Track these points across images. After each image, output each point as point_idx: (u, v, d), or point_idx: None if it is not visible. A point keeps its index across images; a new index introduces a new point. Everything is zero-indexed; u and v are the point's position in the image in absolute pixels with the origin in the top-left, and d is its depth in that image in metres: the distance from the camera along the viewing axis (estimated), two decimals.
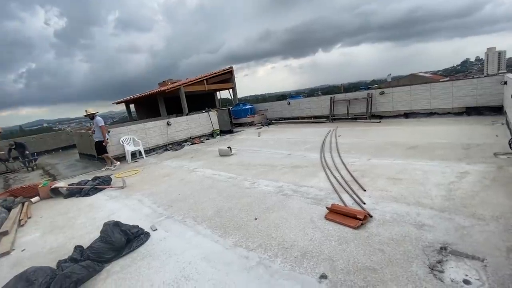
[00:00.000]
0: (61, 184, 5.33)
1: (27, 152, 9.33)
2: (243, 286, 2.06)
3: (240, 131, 11.51)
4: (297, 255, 2.33)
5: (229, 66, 15.77)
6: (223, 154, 6.86)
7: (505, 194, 2.88)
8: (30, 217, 4.23)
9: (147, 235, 3.03)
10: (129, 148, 7.92)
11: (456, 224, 2.47)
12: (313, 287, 1.94)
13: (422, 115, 8.51)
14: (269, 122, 12.52)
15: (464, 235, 2.30)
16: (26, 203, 4.72)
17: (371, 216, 2.79)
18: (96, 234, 2.99)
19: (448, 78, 27.65)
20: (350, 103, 10.02)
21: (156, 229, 3.20)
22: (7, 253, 3.12)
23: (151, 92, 15.80)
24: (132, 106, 19.37)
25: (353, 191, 3.48)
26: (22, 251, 3.15)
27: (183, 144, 9.59)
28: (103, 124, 7.07)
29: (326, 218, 2.87)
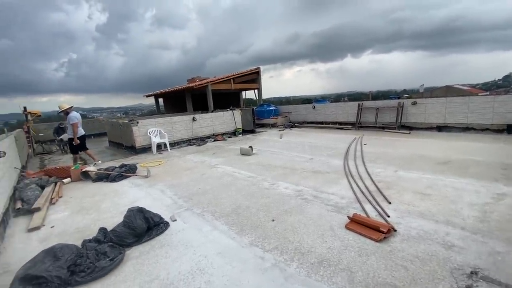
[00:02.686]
0: (91, 168, 5.64)
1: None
2: (256, 286, 2.04)
3: (262, 131, 11.51)
4: (314, 262, 2.27)
5: (256, 67, 15.85)
6: (244, 153, 6.89)
7: None
8: (61, 197, 4.52)
9: (166, 224, 3.11)
10: (155, 139, 8.22)
11: (489, 249, 2.27)
12: None
13: (456, 129, 7.98)
14: (292, 124, 12.41)
15: (498, 261, 2.11)
16: (58, 183, 5.06)
17: (395, 231, 2.65)
18: (119, 219, 3.12)
19: (488, 93, 25.71)
20: (379, 111, 9.65)
21: (176, 220, 3.28)
22: (37, 228, 3.35)
23: (180, 87, 16.31)
24: (160, 100, 20.11)
25: (377, 202, 3.33)
26: (51, 227, 3.37)
27: (206, 140, 9.78)
28: (76, 121, 6.50)
29: (347, 227, 2.78)
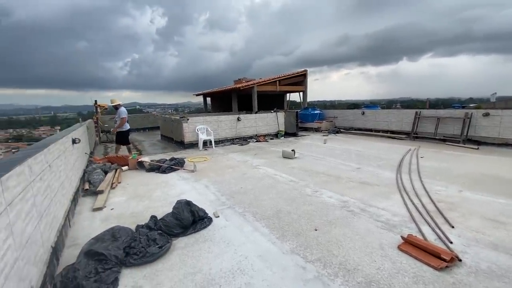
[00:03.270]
0: (146, 159, 6.16)
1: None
2: None
3: (305, 135, 11.26)
4: (361, 282, 2.10)
5: (303, 69, 15.60)
6: (286, 156, 6.81)
7: None
8: (120, 182, 5.02)
9: (210, 220, 3.21)
10: (202, 136, 8.63)
11: None
12: None
13: None
14: (337, 130, 11.89)
15: None
16: (118, 170, 5.63)
17: (460, 260, 2.32)
18: (168, 209, 3.33)
19: None
20: (440, 121, 8.65)
21: (218, 216, 3.37)
22: (100, 208, 3.76)
23: (227, 88, 16.91)
24: (208, 99, 21.13)
25: (436, 224, 2.97)
26: (111, 209, 3.75)
27: (248, 140, 9.94)
28: (125, 116, 7.01)
29: (400, 248, 2.52)
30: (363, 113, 11.45)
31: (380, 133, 10.44)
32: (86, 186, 4.55)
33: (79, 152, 5.10)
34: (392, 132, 10.13)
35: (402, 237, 2.66)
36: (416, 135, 9.21)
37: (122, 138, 7.34)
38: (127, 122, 7.31)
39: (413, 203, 3.57)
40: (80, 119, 9.52)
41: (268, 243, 2.72)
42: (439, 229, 2.86)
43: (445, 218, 3.11)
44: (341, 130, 11.97)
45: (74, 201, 3.82)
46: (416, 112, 9.38)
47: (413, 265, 2.29)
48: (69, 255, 2.56)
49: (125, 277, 2.26)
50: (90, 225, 3.26)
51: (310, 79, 16.21)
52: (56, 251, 2.44)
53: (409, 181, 4.54)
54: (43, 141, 3.41)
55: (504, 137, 7.35)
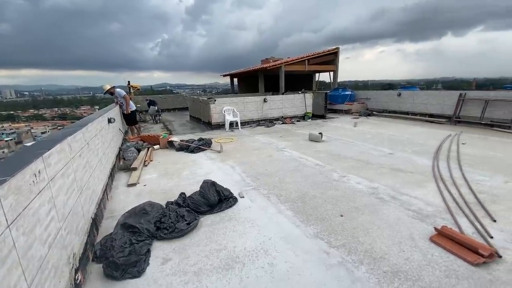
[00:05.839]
0: (175, 138, 6.40)
1: (156, 108, 11.52)
2: (320, 281, 1.97)
3: (333, 117, 10.85)
4: (387, 271, 2.04)
5: (335, 47, 14.71)
6: (313, 139, 6.65)
7: None
8: (151, 160, 5.30)
9: (235, 199, 3.29)
10: (229, 117, 8.70)
11: None
12: None
13: None
14: (369, 112, 11.26)
15: None
16: (150, 149, 5.93)
17: (500, 257, 2.14)
18: (196, 187, 3.46)
19: None
20: (488, 104, 7.77)
21: (243, 197, 3.44)
22: (134, 184, 4.03)
23: (254, 68, 16.62)
24: (235, 80, 21.04)
25: (475, 217, 2.74)
26: (144, 185, 4.00)
27: (274, 122, 9.83)
28: (125, 93, 6.99)
29: (432, 240, 2.38)
30: (399, 95, 10.65)
31: (418, 117, 9.70)
32: (121, 163, 4.87)
33: (114, 131, 5.43)
34: (431, 115, 9.35)
35: (435, 228, 2.51)
36: (458, 119, 8.42)
37: (132, 118, 7.43)
38: (131, 101, 7.26)
39: (450, 193, 3.32)
40: (115, 99, 10.05)
41: (292, 226, 2.73)
42: (479, 222, 2.65)
43: (486, 211, 2.86)
44: (374, 112, 11.32)
45: (111, 176, 4.12)
46: (461, 94, 8.50)
47: (446, 258, 2.16)
48: (107, 226, 2.80)
49: (156, 249, 2.43)
50: (125, 199, 3.51)
51: (341, 58, 15.27)
52: (95, 222, 2.68)
53: (447, 169, 4.21)
54: (81, 121, 3.66)
55: None
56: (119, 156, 5.31)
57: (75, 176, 2.29)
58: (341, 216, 2.90)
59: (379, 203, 3.15)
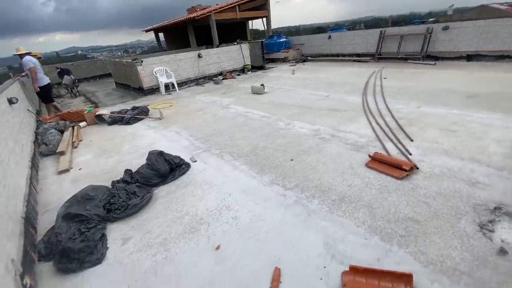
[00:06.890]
0: (104, 111, 5.63)
1: (72, 77, 9.61)
2: (280, 221, 2.16)
3: (272, 67, 10.86)
4: (335, 199, 2.34)
5: None
6: (256, 91, 6.63)
7: None
8: (81, 140, 4.64)
9: (188, 165, 3.20)
10: (162, 79, 7.92)
11: None
12: (352, 230, 1.98)
13: (489, 57, 7.21)
14: (304, 58, 11.56)
15: None
16: (76, 127, 5.14)
17: (418, 168, 2.63)
18: (141, 160, 3.22)
19: None
20: (403, 39, 8.69)
21: (196, 161, 3.36)
22: (66, 170, 3.52)
23: (180, 19, 14.87)
24: (161, 35, 18.70)
25: (398, 140, 3.25)
26: (79, 169, 3.54)
27: (214, 78, 9.37)
28: (32, 66, 5.58)
29: (367, 166, 2.77)
30: (329, 37, 11.05)
31: (347, 58, 10.38)
32: (42, 149, 4.15)
33: (22, 112, 4.46)
34: (358, 55, 10.10)
35: (369, 155, 2.91)
36: (380, 56, 9.31)
37: (45, 94, 6.14)
38: (44, 74, 6.02)
39: (378, 123, 3.81)
40: (11, 74, 8.04)
41: (249, 179, 2.83)
42: (400, 143, 3.15)
43: (405, 133, 3.41)
44: (309, 58, 11.67)
45: (34, 166, 3.51)
46: (381, 32, 9.25)
47: (379, 178, 2.56)
48: (46, 222, 2.47)
49: (113, 231, 2.27)
50: (60, 188, 3.08)
51: (271, 2, 14.65)
52: (29, 221, 2.32)
53: (374, 103, 4.75)
54: None
55: (458, 50, 7.70)
56: (37, 141, 4.48)
57: None
58: (291, 160, 3.10)
59: (322, 143, 3.45)
